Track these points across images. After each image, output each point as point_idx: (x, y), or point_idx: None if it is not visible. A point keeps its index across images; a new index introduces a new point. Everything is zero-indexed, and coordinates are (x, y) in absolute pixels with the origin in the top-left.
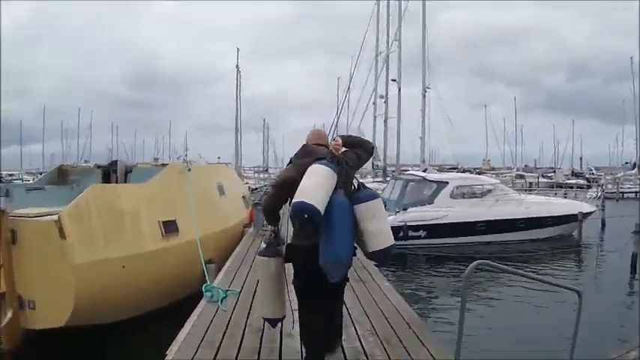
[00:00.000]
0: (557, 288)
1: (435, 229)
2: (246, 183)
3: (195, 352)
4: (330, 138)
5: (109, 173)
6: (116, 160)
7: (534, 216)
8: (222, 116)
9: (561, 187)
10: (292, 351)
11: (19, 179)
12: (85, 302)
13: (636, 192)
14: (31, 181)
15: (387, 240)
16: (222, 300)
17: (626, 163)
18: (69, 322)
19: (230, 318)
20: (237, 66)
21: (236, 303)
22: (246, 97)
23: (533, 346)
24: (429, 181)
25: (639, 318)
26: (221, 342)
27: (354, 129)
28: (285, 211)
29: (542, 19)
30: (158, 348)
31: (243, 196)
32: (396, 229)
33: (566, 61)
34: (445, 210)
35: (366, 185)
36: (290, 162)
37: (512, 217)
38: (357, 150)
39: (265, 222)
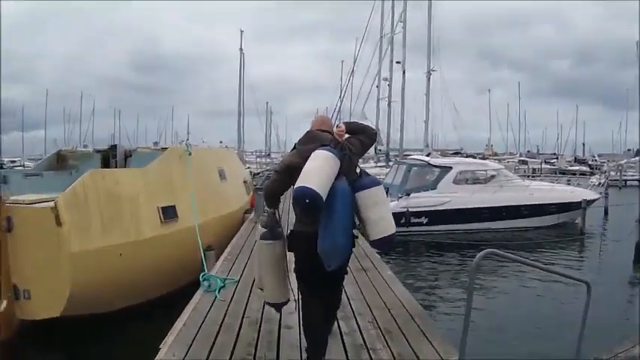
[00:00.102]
0: (563, 278)
1: (438, 216)
2: (248, 168)
3: (190, 345)
4: (333, 121)
5: (108, 158)
6: (115, 145)
7: (538, 203)
8: (226, 100)
9: (564, 173)
10: (290, 345)
11: (21, 166)
12: (82, 291)
13: (639, 180)
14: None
15: (389, 228)
16: (219, 289)
17: (629, 150)
18: (65, 312)
19: (227, 308)
20: (240, 49)
21: (234, 292)
22: (250, 80)
23: (539, 338)
24: (433, 165)
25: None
26: (217, 334)
27: (357, 112)
28: (286, 197)
29: (548, 2)
30: (153, 339)
31: (245, 181)
32: (398, 215)
33: (572, 46)
34: (448, 196)
35: (368, 172)
36: (294, 147)
37: (516, 204)
38: (360, 136)
39: (265, 206)
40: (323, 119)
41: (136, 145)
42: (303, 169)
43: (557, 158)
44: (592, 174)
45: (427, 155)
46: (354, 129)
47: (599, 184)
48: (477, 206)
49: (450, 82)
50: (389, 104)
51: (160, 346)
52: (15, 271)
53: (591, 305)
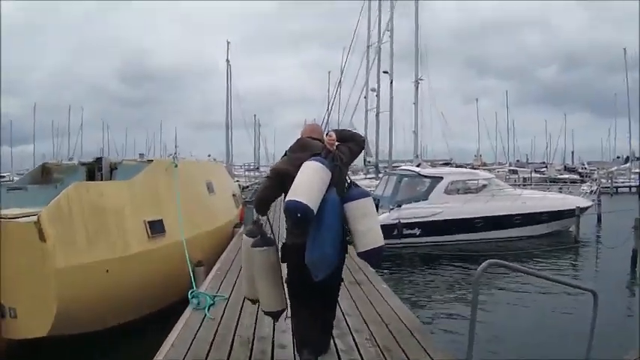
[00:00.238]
0: (564, 287)
1: (430, 227)
2: (237, 181)
3: None
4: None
5: (94, 171)
6: (101, 157)
7: (531, 211)
8: (215, 112)
9: (554, 181)
10: None
11: (10, 181)
12: (69, 309)
13: (630, 186)
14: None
15: (377, 240)
16: (209, 307)
17: (618, 157)
18: (51, 332)
19: (217, 327)
20: (227, 60)
21: (224, 310)
22: (238, 92)
23: (544, 349)
24: (423, 176)
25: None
26: (208, 354)
27: (345, 124)
28: (276, 204)
29: (533, 9)
30: (144, 358)
31: (234, 195)
32: (390, 227)
33: (559, 52)
34: (440, 206)
35: (357, 184)
36: (285, 154)
37: (509, 213)
38: (350, 144)
39: (255, 213)
40: (313, 127)
41: (125, 158)
42: (294, 182)
43: (546, 167)
44: (583, 182)
45: (417, 166)
46: (343, 136)
47: (591, 191)
48: (469, 216)
49: (437, 92)
50: (377, 115)
51: None
52: (0, 289)
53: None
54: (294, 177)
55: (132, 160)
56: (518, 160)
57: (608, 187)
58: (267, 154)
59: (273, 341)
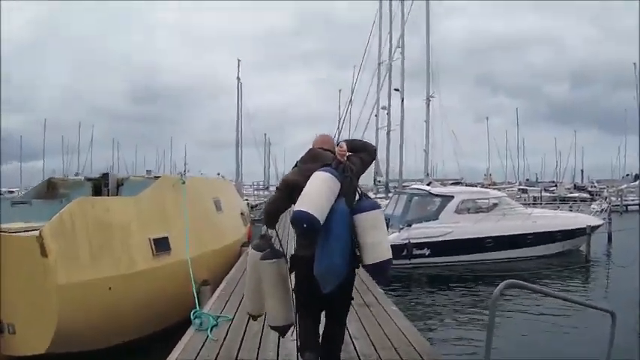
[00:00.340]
0: (579, 307)
1: (440, 247)
2: (246, 200)
3: None
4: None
5: (100, 186)
6: (107, 173)
7: (543, 230)
8: (224, 131)
9: (564, 200)
10: None
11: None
12: (69, 327)
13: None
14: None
15: (385, 253)
16: (211, 328)
17: (627, 175)
18: (50, 349)
19: (220, 349)
20: (238, 77)
21: (227, 331)
22: (248, 110)
23: None
24: (434, 195)
25: None
26: None
27: None
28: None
29: (542, 27)
30: None
31: (242, 213)
32: (399, 247)
33: (569, 70)
34: (450, 226)
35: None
36: (295, 165)
37: (520, 232)
38: (361, 154)
39: (263, 224)
40: (324, 138)
41: (132, 175)
42: (303, 192)
43: (556, 186)
44: (593, 200)
45: (428, 184)
46: (355, 147)
47: (602, 210)
48: (480, 236)
49: (447, 110)
50: (388, 133)
51: None
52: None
53: (602, 334)
54: (303, 188)
55: (139, 177)
56: (527, 179)
57: (618, 206)
58: (277, 173)
59: None
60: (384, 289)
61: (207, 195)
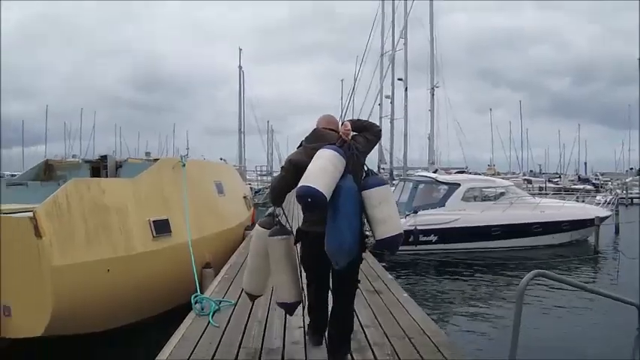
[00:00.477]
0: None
1: (447, 234)
2: (249, 184)
3: None
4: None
5: (98, 169)
6: (106, 155)
7: (550, 220)
8: (227, 119)
9: (568, 191)
10: None
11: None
12: (65, 310)
13: None
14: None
15: (395, 228)
16: (213, 313)
17: (631, 168)
18: (46, 332)
19: (222, 336)
20: (239, 66)
21: (230, 317)
22: (251, 100)
23: None
24: (440, 182)
25: None
26: None
27: None
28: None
29: (544, 22)
30: None
31: (245, 197)
32: (406, 234)
33: (571, 64)
34: (457, 213)
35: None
36: (300, 145)
37: (528, 222)
38: (366, 134)
39: (270, 202)
40: (328, 118)
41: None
42: (307, 168)
43: (559, 177)
44: (597, 192)
45: (434, 172)
46: (359, 127)
47: (606, 202)
48: (487, 224)
49: (450, 102)
50: (392, 122)
51: None
52: None
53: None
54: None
55: (138, 159)
56: (531, 171)
57: (624, 198)
58: (280, 159)
59: (283, 355)
60: (393, 275)
61: (208, 178)
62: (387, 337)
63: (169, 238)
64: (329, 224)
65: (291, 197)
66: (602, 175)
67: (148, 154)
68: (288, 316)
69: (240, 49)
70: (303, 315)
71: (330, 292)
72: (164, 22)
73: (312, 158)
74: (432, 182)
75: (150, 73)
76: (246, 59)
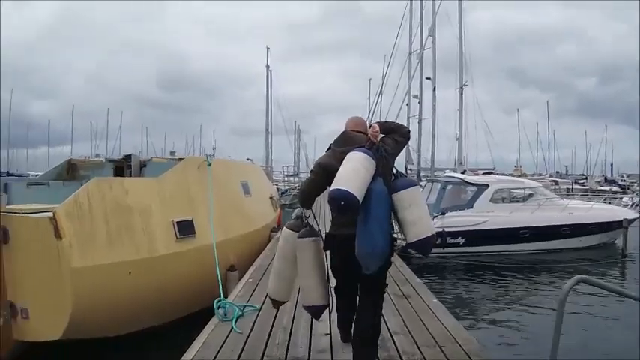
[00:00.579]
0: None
1: (475, 236)
2: (275, 185)
3: None
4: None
5: (122, 168)
6: (130, 155)
7: (579, 222)
8: (254, 120)
9: (595, 193)
10: None
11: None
12: (84, 313)
13: None
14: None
15: (426, 230)
16: (236, 319)
17: None
18: (65, 335)
19: (245, 343)
20: (267, 65)
21: (254, 323)
22: (278, 100)
23: None
24: (469, 183)
25: None
26: None
27: None
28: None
29: (570, 21)
30: None
31: (271, 197)
32: None
33: (598, 64)
34: (485, 215)
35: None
36: (329, 148)
37: (556, 224)
38: (395, 135)
39: (299, 205)
40: (357, 120)
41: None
42: (339, 172)
43: (586, 179)
44: (624, 194)
45: (462, 173)
46: (387, 129)
47: (632, 204)
48: (515, 226)
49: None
50: (419, 122)
51: None
52: (12, 288)
53: None
54: (338, 170)
55: (163, 158)
56: (557, 172)
57: None
58: (307, 159)
59: None
60: (420, 278)
61: (234, 178)
62: (417, 346)
63: (193, 240)
64: (360, 228)
65: (320, 201)
66: (627, 176)
67: (172, 153)
68: (314, 322)
69: (268, 49)
70: (330, 322)
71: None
72: (189, 21)
73: (340, 161)
74: (460, 183)
75: (176, 72)
76: (274, 58)
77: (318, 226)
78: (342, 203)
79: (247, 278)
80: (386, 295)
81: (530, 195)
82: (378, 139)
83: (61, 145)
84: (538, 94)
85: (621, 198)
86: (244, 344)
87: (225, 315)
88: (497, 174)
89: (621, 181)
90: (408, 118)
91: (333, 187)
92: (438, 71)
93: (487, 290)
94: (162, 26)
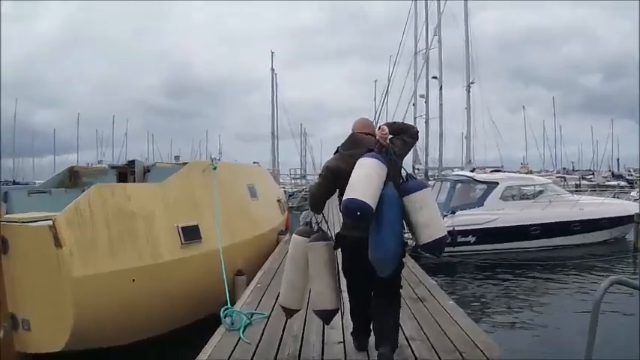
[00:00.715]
0: None
1: (486, 234)
2: (282, 188)
3: None
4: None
5: (125, 174)
6: (133, 160)
7: (590, 218)
8: (259, 125)
9: (603, 188)
10: None
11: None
12: (87, 323)
13: None
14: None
15: (439, 230)
16: (244, 328)
17: None
18: (67, 346)
19: (254, 354)
20: (272, 69)
21: (263, 331)
22: (284, 104)
23: None
24: (479, 181)
25: None
26: None
27: None
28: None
29: (576, 20)
30: None
31: (279, 200)
32: None
33: (603, 61)
34: (496, 213)
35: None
36: (337, 151)
37: (567, 220)
38: (403, 136)
39: (310, 209)
40: (364, 122)
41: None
42: (351, 180)
43: (593, 174)
44: (632, 188)
45: (471, 171)
46: (395, 129)
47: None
48: (526, 223)
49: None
50: (426, 122)
51: None
52: (12, 298)
53: None
54: (347, 173)
55: (167, 163)
56: (564, 168)
57: None
58: (313, 162)
59: None
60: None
61: (240, 181)
62: (436, 352)
63: (199, 245)
64: (372, 233)
65: (329, 204)
66: (634, 170)
67: (177, 157)
68: (326, 330)
69: (273, 52)
70: (343, 330)
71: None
72: (193, 26)
73: (349, 164)
74: (469, 181)
75: (180, 79)
76: (278, 63)
77: (329, 229)
78: (359, 214)
79: (255, 284)
80: (401, 298)
81: (541, 191)
82: (387, 141)
83: (66, 154)
84: (543, 93)
85: (629, 192)
86: (253, 355)
87: (233, 324)
88: (505, 171)
89: (628, 175)
90: (415, 118)
91: (348, 196)
92: (444, 71)
93: (500, 289)
94: (167, 33)
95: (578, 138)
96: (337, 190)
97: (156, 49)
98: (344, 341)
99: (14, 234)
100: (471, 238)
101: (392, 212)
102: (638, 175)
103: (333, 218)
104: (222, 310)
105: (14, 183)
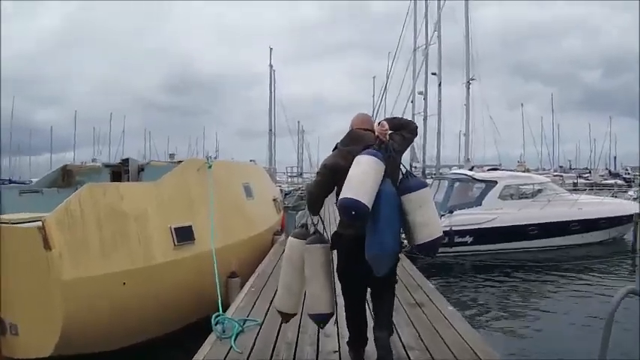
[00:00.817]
0: None
1: (483, 234)
2: (279, 186)
3: None
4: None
5: (119, 173)
6: (127, 158)
7: (589, 217)
8: (258, 121)
9: (599, 187)
10: None
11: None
12: (76, 328)
13: None
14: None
15: (435, 231)
16: (236, 336)
17: None
18: (56, 352)
19: None
20: (270, 65)
21: (255, 339)
22: (282, 101)
23: None
24: (477, 180)
25: None
26: None
27: None
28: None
29: (576, 15)
30: None
31: (275, 199)
32: None
33: (603, 56)
34: (494, 212)
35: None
36: (335, 148)
37: (566, 219)
38: (403, 132)
39: (307, 208)
40: (363, 117)
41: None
42: (348, 178)
43: (589, 172)
44: (629, 187)
45: (470, 169)
46: (395, 125)
47: (637, 197)
48: (524, 223)
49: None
50: (425, 119)
51: None
52: (0, 302)
53: None
54: (345, 170)
55: (161, 162)
56: (561, 167)
57: None
58: (310, 160)
59: None
60: (435, 285)
61: (236, 180)
62: (433, 359)
63: (192, 246)
64: (369, 230)
65: (326, 204)
66: (631, 169)
67: (172, 155)
68: (321, 338)
69: (271, 48)
70: (339, 338)
71: (366, 298)
72: (193, 23)
73: (347, 161)
74: (468, 180)
75: (180, 75)
76: (277, 59)
77: (325, 231)
78: (354, 213)
79: (249, 287)
80: (398, 304)
81: (540, 190)
82: (387, 137)
83: (63, 152)
84: (542, 88)
85: (626, 191)
86: None
87: (224, 332)
88: (503, 169)
89: (625, 174)
90: (413, 114)
91: (344, 195)
92: (443, 68)
93: (498, 292)
94: (167, 29)
95: (575, 136)
96: (335, 188)
97: (156, 48)
98: (339, 350)
99: (2, 235)
100: (469, 239)
101: (389, 210)
102: (636, 173)
103: (329, 217)
104: (214, 317)
105: (10, 182)
